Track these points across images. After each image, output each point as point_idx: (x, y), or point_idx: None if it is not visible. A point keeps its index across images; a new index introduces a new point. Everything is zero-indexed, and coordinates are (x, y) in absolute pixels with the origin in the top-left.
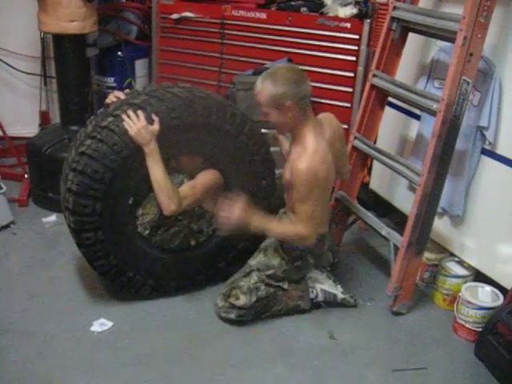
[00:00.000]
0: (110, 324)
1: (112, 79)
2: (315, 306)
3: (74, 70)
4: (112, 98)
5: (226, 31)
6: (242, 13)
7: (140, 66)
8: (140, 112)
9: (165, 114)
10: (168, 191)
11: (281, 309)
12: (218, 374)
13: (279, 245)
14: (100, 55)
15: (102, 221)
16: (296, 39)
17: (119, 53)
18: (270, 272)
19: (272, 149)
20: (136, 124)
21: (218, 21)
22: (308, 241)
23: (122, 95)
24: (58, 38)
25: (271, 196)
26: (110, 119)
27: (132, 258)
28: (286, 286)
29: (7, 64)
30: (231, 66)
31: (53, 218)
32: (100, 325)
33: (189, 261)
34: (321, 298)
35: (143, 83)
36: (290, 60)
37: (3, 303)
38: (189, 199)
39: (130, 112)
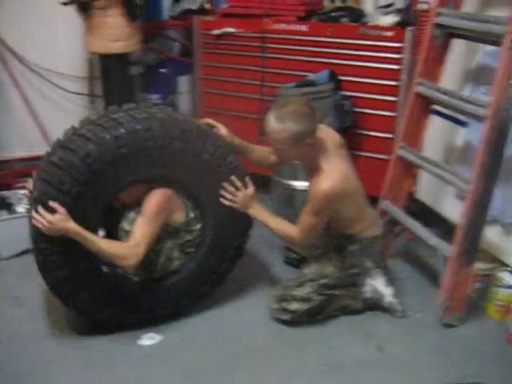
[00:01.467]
0: (158, 338)
1: (156, 96)
2: (366, 306)
3: (119, 88)
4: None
5: (267, 45)
6: (282, 26)
7: (183, 82)
8: (40, 208)
9: (81, 166)
10: (116, 253)
11: (333, 309)
12: None
13: (334, 253)
14: (144, 73)
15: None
16: (337, 50)
17: (162, 70)
18: (323, 281)
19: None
20: (44, 223)
21: (258, 35)
22: (295, 245)
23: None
24: (104, 58)
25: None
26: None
27: (153, 301)
28: (338, 292)
29: (56, 85)
30: (273, 80)
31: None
32: (149, 338)
33: (202, 266)
34: (369, 294)
35: (186, 99)
36: (331, 71)
37: (55, 318)
38: (146, 238)
39: (34, 214)
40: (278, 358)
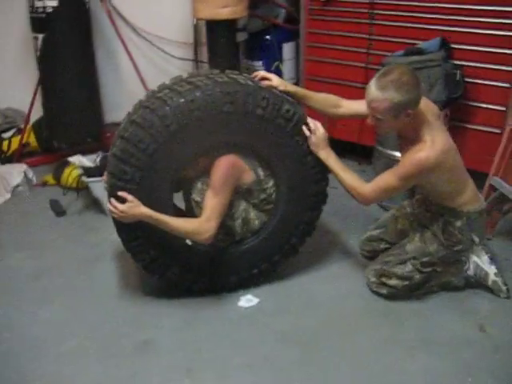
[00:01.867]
0: (256, 300)
1: (260, 63)
2: (468, 283)
3: (225, 54)
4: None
5: (376, 11)
6: None
7: (288, 49)
8: (112, 200)
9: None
10: (189, 230)
11: (433, 285)
12: (358, 356)
13: (440, 229)
14: (249, 39)
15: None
16: (451, 16)
17: (267, 36)
18: (426, 259)
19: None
20: (118, 213)
21: (367, 0)
22: (360, 200)
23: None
24: (211, 24)
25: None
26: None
27: (243, 262)
28: (439, 269)
29: (162, 50)
30: (380, 47)
31: None
32: (247, 301)
33: (284, 219)
34: (471, 271)
35: (290, 66)
36: (443, 39)
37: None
38: (217, 210)
39: (109, 206)
40: (373, 327)
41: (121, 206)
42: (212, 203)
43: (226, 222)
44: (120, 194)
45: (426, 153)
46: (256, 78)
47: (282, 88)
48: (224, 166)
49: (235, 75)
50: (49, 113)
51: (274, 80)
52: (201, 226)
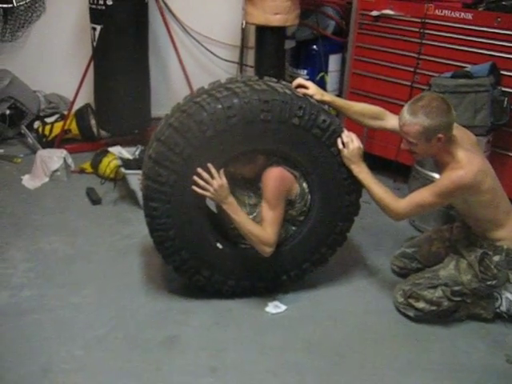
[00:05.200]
0: (283, 307)
1: (305, 72)
2: (498, 316)
3: (272, 60)
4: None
5: (427, 31)
6: (445, 12)
7: (333, 60)
8: (211, 166)
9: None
10: (259, 236)
11: (462, 315)
12: (378, 375)
13: (476, 261)
14: (296, 47)
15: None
16: (504, 42)
17: (314, 46)
18: (457, 288)
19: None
20: (212, 185)
21: (418, 20)
22: (392, 215)
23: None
24: (261, 29)
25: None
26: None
27: (273, 268)
28: (470, 300)
29: (210, 51)
30: (428, 68)
31: None
32: (274, 307)
33: (316, 229)
34: (504, 308)
35: (335, 78)
36: (493, 64)
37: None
38: (276, 225)
39: (203, 173)
40: (398, 348)
41: (216, 183)
42: (271, 217)
43: None
44: (215, 173)
45: (465, 170)
46: (292, 85)
47: (318, 97)
48: (275, 179)
49: (273, 83)
50: (98, 101)
51: (311, 88)
52: (266, 235)
